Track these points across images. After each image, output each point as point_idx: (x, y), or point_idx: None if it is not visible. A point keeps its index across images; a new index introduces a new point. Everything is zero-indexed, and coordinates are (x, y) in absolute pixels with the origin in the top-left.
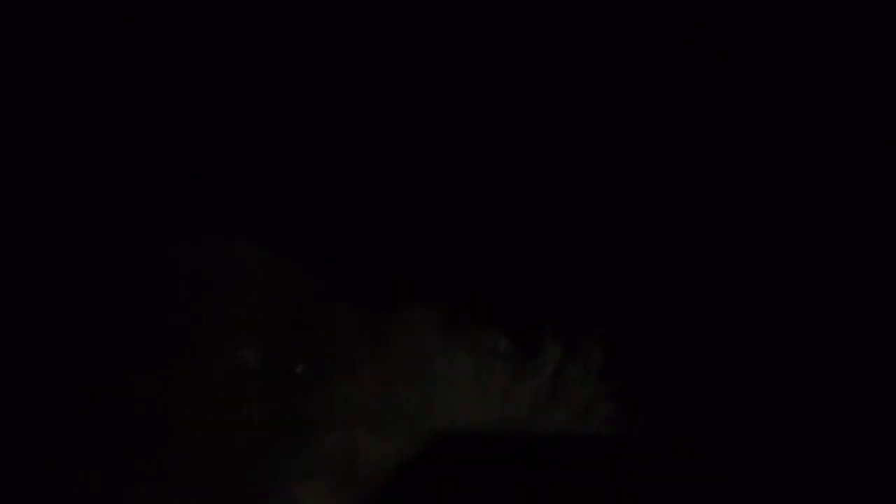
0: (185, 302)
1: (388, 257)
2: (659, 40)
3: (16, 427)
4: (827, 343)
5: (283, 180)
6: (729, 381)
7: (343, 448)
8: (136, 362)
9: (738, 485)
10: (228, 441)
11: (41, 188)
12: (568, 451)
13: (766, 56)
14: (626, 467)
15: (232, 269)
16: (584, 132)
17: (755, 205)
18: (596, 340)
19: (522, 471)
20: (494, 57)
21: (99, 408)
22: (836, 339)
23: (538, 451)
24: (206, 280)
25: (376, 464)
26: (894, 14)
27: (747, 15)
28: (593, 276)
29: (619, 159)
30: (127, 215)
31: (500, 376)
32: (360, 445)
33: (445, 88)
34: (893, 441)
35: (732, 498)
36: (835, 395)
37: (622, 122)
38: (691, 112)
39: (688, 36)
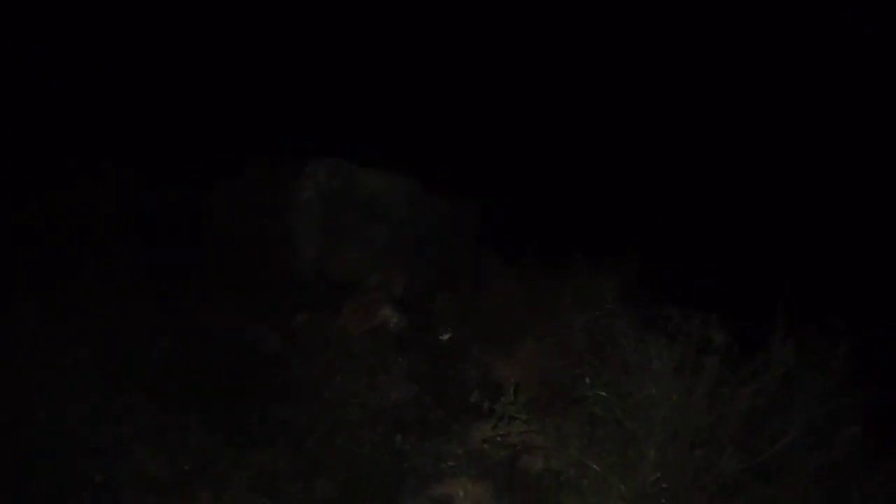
0: (316, 235)
1: (562, 205)
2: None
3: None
4: None
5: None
6: None
7: (498, 443)
8: (267, 312)
9: None
10: (368, 415)
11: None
12: None
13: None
14: None
15: (367, 200)
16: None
17: None
18: (841, 340)
19: None
20: None
21: (232, 361)
22: None
23: None
24: (336, 210)
25: (543, 470)
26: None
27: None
28: (839, 254)
29: None
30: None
31: (710, 374)
32: (522, 440)
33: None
34: None
35: None
36: None
37: None
38: None
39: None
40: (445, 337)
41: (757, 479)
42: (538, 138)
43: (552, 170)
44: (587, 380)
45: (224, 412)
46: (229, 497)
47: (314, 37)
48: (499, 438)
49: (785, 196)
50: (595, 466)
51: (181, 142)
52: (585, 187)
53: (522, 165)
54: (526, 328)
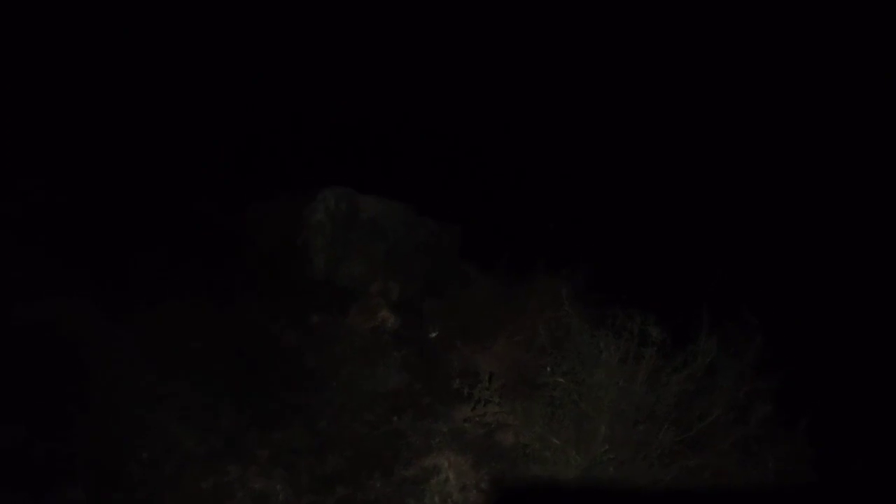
0: (327, 250)
1: (527, 225)
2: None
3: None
4: None
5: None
6: None
7: (476, 422)
8: (287, 312)
9: None
10: (370, 400)
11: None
12: None
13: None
14: None
15: (369, 222)
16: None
17: None
18: (755, 334)
19: None
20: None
21: (257, 353)
22: None
23: None
24: (343, 230)
25: (513, 444)
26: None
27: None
28: (751, 263)
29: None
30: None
31: (649, 363)
32: (496, 420)
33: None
34: None
35: None
36: None
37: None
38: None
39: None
40: (433, 334)
41: (688, 450)
42: (506, 172)
43: (519, 197)
44: (549, 368)
45: (250, 397)
46: (254, 469)
47: (334, 93)
48: (477, 418)
49: (708, 215)
50: (556, 440)
51: (225, 174)
52: (545, 210)
53: (495, 194)
54: (499, 326)
